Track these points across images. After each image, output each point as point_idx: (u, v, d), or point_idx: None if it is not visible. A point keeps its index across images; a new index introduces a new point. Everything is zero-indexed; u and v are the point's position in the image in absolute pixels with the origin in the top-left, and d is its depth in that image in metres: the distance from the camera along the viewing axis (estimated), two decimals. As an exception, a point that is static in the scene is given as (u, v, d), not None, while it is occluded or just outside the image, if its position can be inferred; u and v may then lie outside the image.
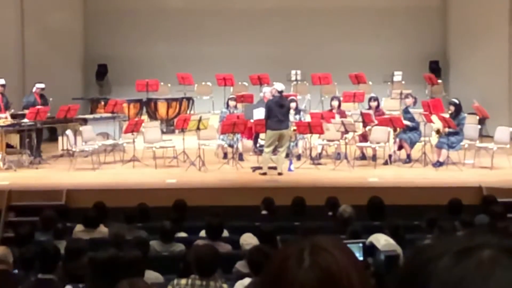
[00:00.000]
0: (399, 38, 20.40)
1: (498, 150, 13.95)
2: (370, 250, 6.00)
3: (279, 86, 13.89)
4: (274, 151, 13.57)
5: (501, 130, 14.50)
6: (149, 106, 18.05)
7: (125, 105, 17.29)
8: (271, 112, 13.32)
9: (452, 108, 14.28)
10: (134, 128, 14.54)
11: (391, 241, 7.59)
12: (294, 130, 14.40)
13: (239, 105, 16.21)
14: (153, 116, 17.93)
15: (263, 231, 8.21)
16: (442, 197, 10.72)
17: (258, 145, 14.99)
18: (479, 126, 14.91)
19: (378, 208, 9.98)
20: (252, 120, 14.66)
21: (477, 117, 15.55)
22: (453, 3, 20.16)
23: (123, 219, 9.30)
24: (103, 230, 9.36)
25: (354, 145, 14.81)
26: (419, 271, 0.95)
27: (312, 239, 1.79)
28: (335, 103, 15.48)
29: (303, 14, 20.42)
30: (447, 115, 14.22)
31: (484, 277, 0.90)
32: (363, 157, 14.82)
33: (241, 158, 14.81)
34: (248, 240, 8.14)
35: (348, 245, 1.92)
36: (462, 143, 14.14)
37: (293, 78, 19.51)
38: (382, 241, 7.39)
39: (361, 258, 5.33)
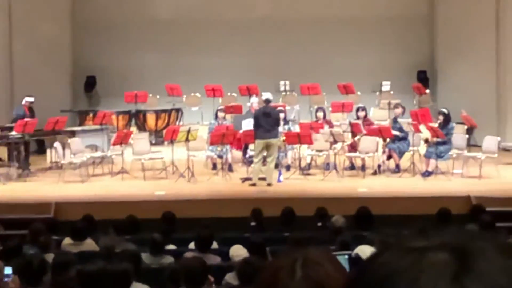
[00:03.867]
0: (387, 48, 20.49)
1: (486, 159, 14.00)
2: (356, 261, 6.00)
3: (266, 95, 13.92)
4: (264, 162, 13.58)
5: (489, 139, 14.57)
6: (138, 118, 18.03)
7: (113, 117, 17.25)
8: (258, 122, 13.35)
9: (441, 117, 14.34)
10: (123, 140, 14.50)
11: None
12: (283, 140, 14.41)
13: (228, 116, 16.21)
14: (142, 127, 17.91)
15: (252, 243, 8.19)
16: (431, 206, 10.75)
17: (247, 155, 14.99)
18: (467, 136, 14.97)
19: (367, 218, 10.00)
20: (241, 131, 14.66)
21: (465, 127, 15.60)
22: (440, 12, 20.27)
23: (113, 232, 9.25)
24: (91, 242, 9.31)
25: (343, 155, 14.84)
26: (374, 270, 0.93)
27: (304, 252, 1.79)
28: (320, 114, 15.53)
29: (292, 24, 20.49)
30: (435, 125, 14.27)
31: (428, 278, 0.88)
32: (352, 167, 14.85)
33: (230, 169, 14.81)
34: (238, 251, 8.12)
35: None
36: (450, 153, 14.19)
37: (282, 88, 19.55)
38: (368, 252, 7.39)
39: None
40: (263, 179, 13.52)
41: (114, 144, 14.78)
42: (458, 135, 14.63)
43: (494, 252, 0.90)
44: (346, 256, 5.52)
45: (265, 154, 13.50)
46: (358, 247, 7.65)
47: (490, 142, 14.48)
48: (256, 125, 13.41)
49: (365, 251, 7.46)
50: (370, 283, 0.92)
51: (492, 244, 0.92)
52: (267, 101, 13.79)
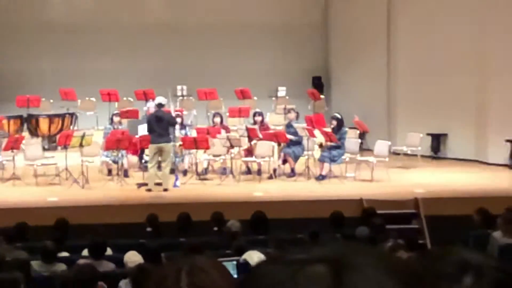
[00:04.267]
0: (283, 54, 20.79)
1: (377, 163, 14.42)
2: (244, 267, 6.07)
3: (159, 100, 13.83)
4: (159, 167, 13.50)
5: (380, 143, 15.04)
6: (30, 123, 17.54)
7: (4, 121, 16.72)
8: (150, 127, 13.26)
9: (334, 122, 14.66)
10: (14, 145, 14.09)
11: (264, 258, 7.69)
12: (180, 145, 14.38)
13: (124, 121, 16.02)
14: (34, 132, 17.43)
15: (147, 249, 8.14)
16: (325, 210, 10.96)
17: (143, 161, 14.86)
18: (360, 140, 15.38)
19: (262, 222, 10.10)
20: (137, 136, 14.52)
21: (358, 132, 16.03)
22: (333, 20, 20.75)
23: (2, 240, 8.98)
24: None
25: (240, 160, 14.93)
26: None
27: (190, 259, 1.81)
28: (217, 119, 15.59)
29: (189, 29, 20.47)
30: (329, 130, 14.58)
31: None
32: (248, 171, 14.96)
33: (126, 174, 14.63)
34: (132, 258, 8.04)
35: (223, 263, 1.96)
36: (343, 157, 14.52)
37: (179, 93, 19.49)
38: (255, 258, 7.47)
39: (235, 276, 5.38)
40: (159, 184, 13.43)
41: (5, 150, 14.33)
42: (351, 139, 15.01)
43: (371, 267, 0.89)
44: (235, 262, 5.57)
45: (159, 159, 13.42)
46: (246, 252, 7.71)
47: (381, 146, 14.94)
48: (149, 129, 13.32)
49: (253, 257, 7.55)
50: None
51: (371, 258, 0.91)
52: (160, 105, 13.70)
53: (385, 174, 14.32)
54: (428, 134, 17.12)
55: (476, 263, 1.66)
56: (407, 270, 0.92)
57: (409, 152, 16.29)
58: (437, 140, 17.38)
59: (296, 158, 14.76)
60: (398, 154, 16.31)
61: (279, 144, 14.84)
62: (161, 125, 13.28)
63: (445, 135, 17.39)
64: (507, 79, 15.84)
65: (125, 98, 18.61)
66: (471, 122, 16.72)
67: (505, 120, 15.86)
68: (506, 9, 15.84)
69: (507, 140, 15.81)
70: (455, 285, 1.63)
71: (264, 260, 0.99)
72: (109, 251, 8.68)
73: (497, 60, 16.04)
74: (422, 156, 16.35)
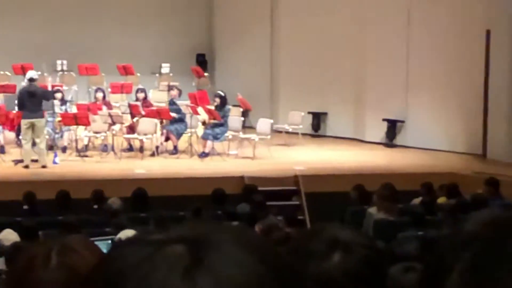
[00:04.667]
0: (167, 30, 20.57)
1: (259, 141, 14.59)
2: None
3: (30, 74, 13.41)
4: (34, 143, 13.11)
5: (262, 121, 15.23)
6: None
7: None
8: (22, 102, 12.86)
9: (217, 100, 14.71)
10: None
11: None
12: (59, 121, 14.03)
13: (1, 96, 15.45)
14: None
15: (23, 227, 7.94)
16: (207, 187, 11.00)
17: (20, 137, 14.39)
18: (243, 118, 15.50)
19: (143, 199, 10.04)
20: (14, 111, 14.03)
21: (241, 109, 16.15)
22: (219, -2, 20.72)
23: None
24: None
25: (121, 137, 14.74)
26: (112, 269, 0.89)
27: (61, 239, 1.77)
28: (99, 94, 15.32)
29: (70, 1, 19.89)
30: (212, 107, 14.61)
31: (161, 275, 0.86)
32: (130, 148, 14.81)
33: (2, 151, 14.15)
34: (8, 236, 7.84)
35: (96, 242, 1.93)
36: (226, 134, 14.61)
37: (59, 68, 18.97)
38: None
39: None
40: (36, 161, 13.06)
41: None
42: (234, 117, 15.10)
43: (231, 245, 0.88)
44: (109, 241, 5.53)
45: (32, 135, 12.99)
46: (121, 231, 7.65)
47: (263, 124, 15.13)
48: (21, 105, 12.90)
49: (128, 235, 7.50)
50: (104, 279, 0.88)
51: (231, 236, 0.90)
52: (31, 79, 13.27)
53: (267, 152, 14.51)
54: (309, 113, 17.47)
55: (345, 240, 1.71)
56: (268, 247, 0.93)
57: (290, 130, 16.57)
58: (318, 119, 17.77)
59: (179, 136, 14.71)
60: (280, 132, 16.56)
61: (161, 121, 14.75)
62: (33, 100, 12.85)
63: (325, 114, 17.80)
64: (383, 61, 16.37)
65: (2, 72, 17.92)
66: (350, 102, 17.19)
67: (382, 100, 16.40)
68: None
69: (384, 119, 16.35)
70: (324, 262, 1.68)
71: (121, 241, 0.98)
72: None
73: (375, 40, 16.54)
74: (303, 134, 16.68)
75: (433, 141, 15.47)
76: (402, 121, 16.32)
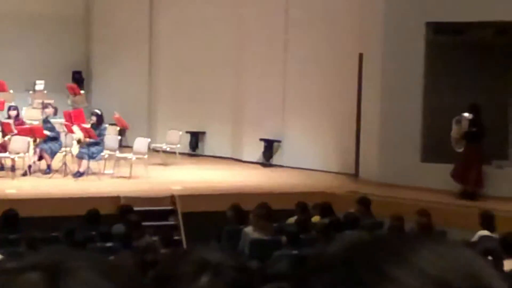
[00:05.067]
0: (42, 46, 20.02)
1: (136, 160, 14.45)
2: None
3: None
4: None
5: (139, 140, 15.09)
6: None
7: None
8: None
9: (94, 118, 14.48)
10: None
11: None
12: None
13: None
14: None
15: None
16: (81, 207, 10.75)
17: None
18: (119, 137, 15.30)
19: (13, 220, 9.71)
20: None
21: (117, 128, 15.94)
22: (96, 14, 20.43)
23: None
24: None
25: (-8, 156, 14.22)
26: None
27: None
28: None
29: None
30: (88, 126, 14.34)
31: None
32: (1, 168, 14.31)
33: None
34: None
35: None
36: (102, 153, 14.36)
37: None
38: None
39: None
40: None
41: None
42: (111, 136, 14.90)
43: (88, 271, 0.88)
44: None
45: None
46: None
47: (140, 143, 14.99)
48: None
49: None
50: None
51: (88, 263, 0.90)
52: None
53: (144, 171, 14.38)
54: (187, 132, 17.47)
55: (214, 262, 1.71)
56: (125, 273, 0.93)
57: (168, 149, 16.50)
58: (196, 138, 17.80)
59: (53, 154, 14.35)
60: (158, 151, 16.46)
61: (35, 140, 14.34)
62: None
63: (203, 133, 17.86)
64: (260, 82, 16.64)
65: None
66: (228, 121, 17.33)
67: (259, 120, 16.64)
68: (262, 10, 16.60)
69: (261, 139, 16.58)
70: (191, 285, 1.68)
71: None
72: None
73: (253, 62, 16.79)
74: (181, 153, 16.64)
75: (308, 161, 15.81)
76: (279, 141, 16.61)
